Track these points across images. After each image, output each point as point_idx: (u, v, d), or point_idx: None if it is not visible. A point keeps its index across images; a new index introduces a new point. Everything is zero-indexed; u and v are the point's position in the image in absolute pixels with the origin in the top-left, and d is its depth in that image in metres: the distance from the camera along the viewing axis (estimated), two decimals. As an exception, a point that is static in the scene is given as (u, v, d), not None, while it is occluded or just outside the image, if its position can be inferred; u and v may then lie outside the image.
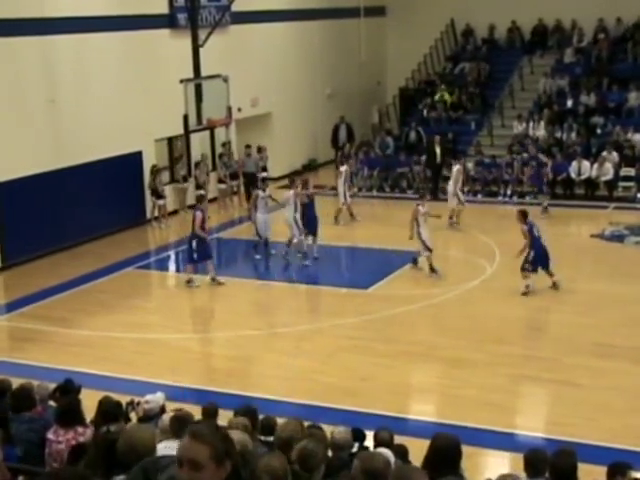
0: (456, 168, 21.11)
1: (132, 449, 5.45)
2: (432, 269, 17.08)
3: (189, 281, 17.13)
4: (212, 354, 13.91)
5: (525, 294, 15.78)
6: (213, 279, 17.11)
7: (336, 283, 17.22)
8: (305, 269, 18.16)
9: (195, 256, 17.10)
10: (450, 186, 21.05)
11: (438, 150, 24.12)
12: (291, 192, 18.56)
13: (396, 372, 12.78)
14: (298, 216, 18.46)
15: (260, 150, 24.76)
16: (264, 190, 19.08)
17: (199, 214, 17.13)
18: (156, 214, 22.19)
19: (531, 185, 23.28)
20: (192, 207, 22.97)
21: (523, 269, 15.89)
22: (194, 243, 16.99)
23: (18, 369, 12.53)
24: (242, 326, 14.72)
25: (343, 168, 21.88)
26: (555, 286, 15.97)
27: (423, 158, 25.02)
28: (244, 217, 22.62)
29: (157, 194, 22.01)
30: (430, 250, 17.10)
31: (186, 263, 17.59)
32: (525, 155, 24.24)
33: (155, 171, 22.01)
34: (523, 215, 16.06)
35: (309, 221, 18.71)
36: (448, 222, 20.58)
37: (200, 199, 18.14)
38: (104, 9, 20.42)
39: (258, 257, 18.92)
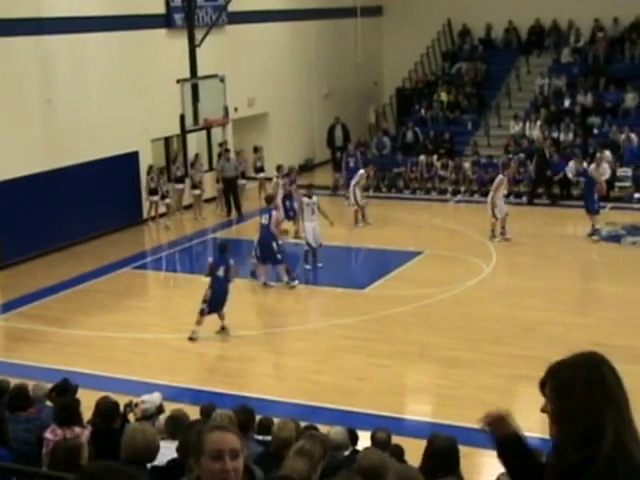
0: (499, 178, 20.20)
1: (134, 446, 5.50)
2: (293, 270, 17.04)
3: (292, 278, 16.66)
4: (209, 354, 13.89)
5: (193, 339, 14.03)
6: (288, 283, 16.71)
7: (333, 283, 17.19)
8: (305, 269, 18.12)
9: (279, 257, 16.52)
10: (490, 196, 20.01)
11: (547, 153, 23.74)
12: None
13: (392, 372, 12.77)
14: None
15: (256, 150, 24.68)
16: (310, 197, 18.12)
17: (275, 214, 16.63)
18: (152, 214, 22.15)
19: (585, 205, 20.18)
20: (187, 208, 23.16)
21: (201, 312, 14.04)
22: (274, 245, 16.38)
23: (14, 369, 12.50)
24: (239, 326, 14.69)
25: (361, 171, 21.78)
26: (224, 330, 14.32)
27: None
28: (240, 217, 22.70)
29: (161, 194, 21.99)
30: (308, 245, 17.50)
31: (274, 266, 16.83)
32: (522, 155, 24.20)
33: (153, 171, 21.94)
34: (220, 249, 14.61)
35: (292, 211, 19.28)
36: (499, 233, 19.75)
37: (269, 199, 17.33)
38: (100, 9, 20.38)
39: (308, 267, 17.96)
